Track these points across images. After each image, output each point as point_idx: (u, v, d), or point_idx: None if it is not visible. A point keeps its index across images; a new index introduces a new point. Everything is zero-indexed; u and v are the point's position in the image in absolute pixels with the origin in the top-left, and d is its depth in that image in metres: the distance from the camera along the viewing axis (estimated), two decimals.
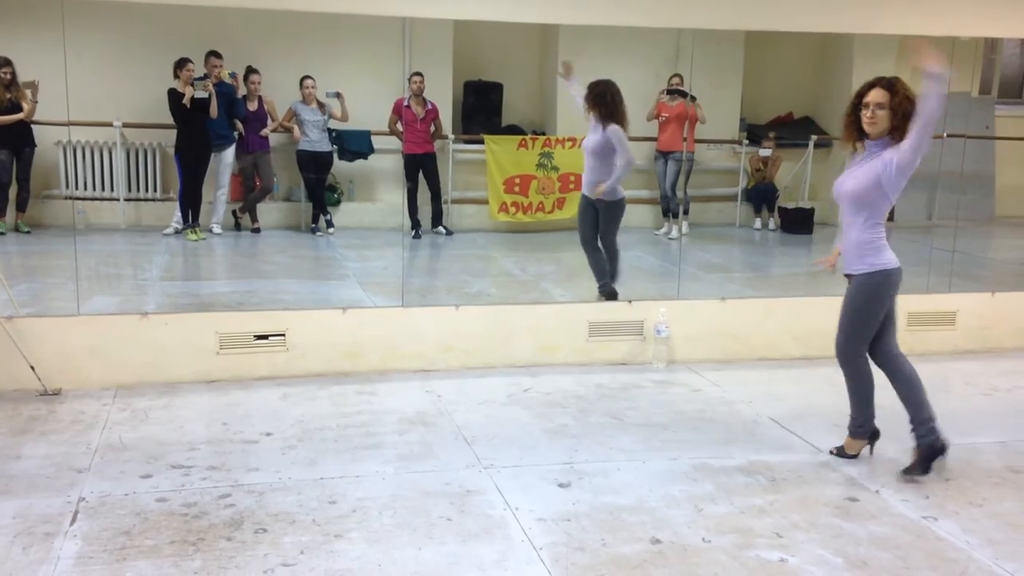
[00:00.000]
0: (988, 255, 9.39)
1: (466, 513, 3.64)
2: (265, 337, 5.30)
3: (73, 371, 4.99)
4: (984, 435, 4.71)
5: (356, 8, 5.64)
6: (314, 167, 9.21)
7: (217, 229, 8.94)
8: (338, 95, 9.13)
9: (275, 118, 9.27)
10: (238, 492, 3.76)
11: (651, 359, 5.80)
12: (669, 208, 9.66)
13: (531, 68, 10.39)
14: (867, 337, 4.12)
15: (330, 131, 9.29)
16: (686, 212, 9.64)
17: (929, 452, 4.04)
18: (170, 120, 8.48)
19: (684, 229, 9.48)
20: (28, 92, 8.20)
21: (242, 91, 9.03)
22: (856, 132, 4.01)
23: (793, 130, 10.82)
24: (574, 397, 5.12)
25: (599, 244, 6.40)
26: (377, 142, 9.45)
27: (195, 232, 8.52)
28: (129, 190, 9.11)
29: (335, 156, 9.38)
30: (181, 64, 8.38)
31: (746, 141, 10.52)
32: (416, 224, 9.12)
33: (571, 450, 4.33)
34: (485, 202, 9.59)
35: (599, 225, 6.36)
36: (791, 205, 10.48)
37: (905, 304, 4.16)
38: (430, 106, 9.21)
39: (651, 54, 9.62)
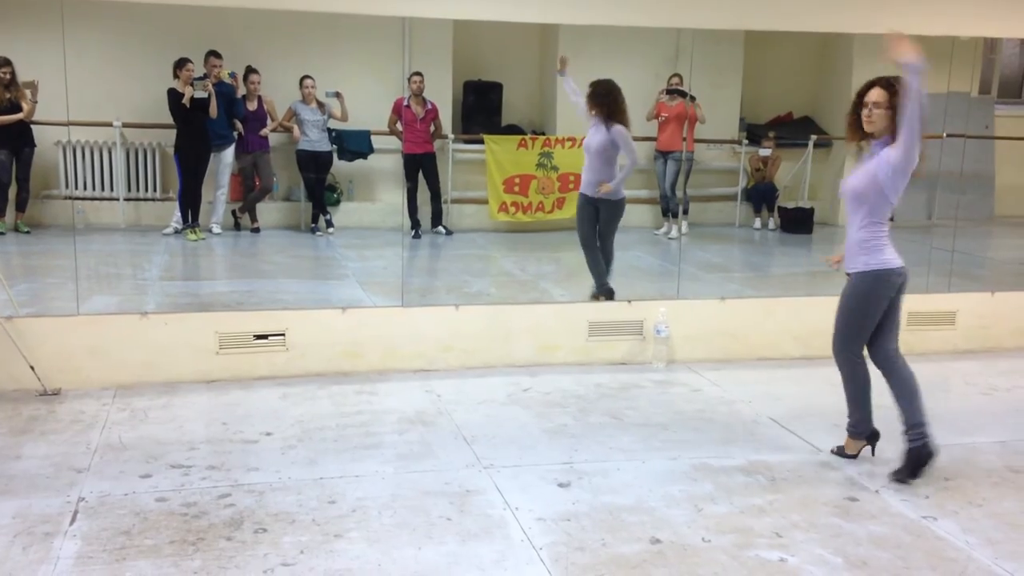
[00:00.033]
0: (988, 255, 9.39)
1: (466, 513, 3.64)
2: (265, 337, 5.30)
3: (73, 371, 4.99)
4: (984, 435, 4.71)
5: (356, 8, 5.64)
6: (314, 167, 9.21)
7: (217, 229, 8.94)
8: (338, 95, 9.13)
9: (275, 118, 9.27)
10: (238, 492, 3.76)
11: (651, 359, 5.80)
12: (669, 208, 9.66)
13: (531, 68, 10.39)
14: (862, 337, 4.11)
15: (330, 131, 9.29)
16: (686, 212, 9.64)
17: (917, 458, 4.01)
18: (170, 120, 8.48)
19: (684, 229, 9.47)
20: (28, 92, 8.20)
21: (242, 91, 9.03)
22: (859, 131, 4.02)
23: (793, 130, 10.82)
24: (574, 397, 5.12)
25: (598, 244, 6.40)
26: (377, 142, 9.44)
27: (195, 232, 8.52)
28: (129, 190, 9.11)
29: (335, 156, 9.37)
30: (181, 64, 8.38)
31: (746, 141, 10.52)
32: (416, 224, 9.13)
33: (571, 450, 4.33)
34: (485, 202, 9.59)
35: (599, 225, 6.36)
36: (791, 205, 10.49)
37: (905, 304, 4.13)
38: (430, 106, 9.20)
39: (651, 54, 9.62)
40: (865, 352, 4.16)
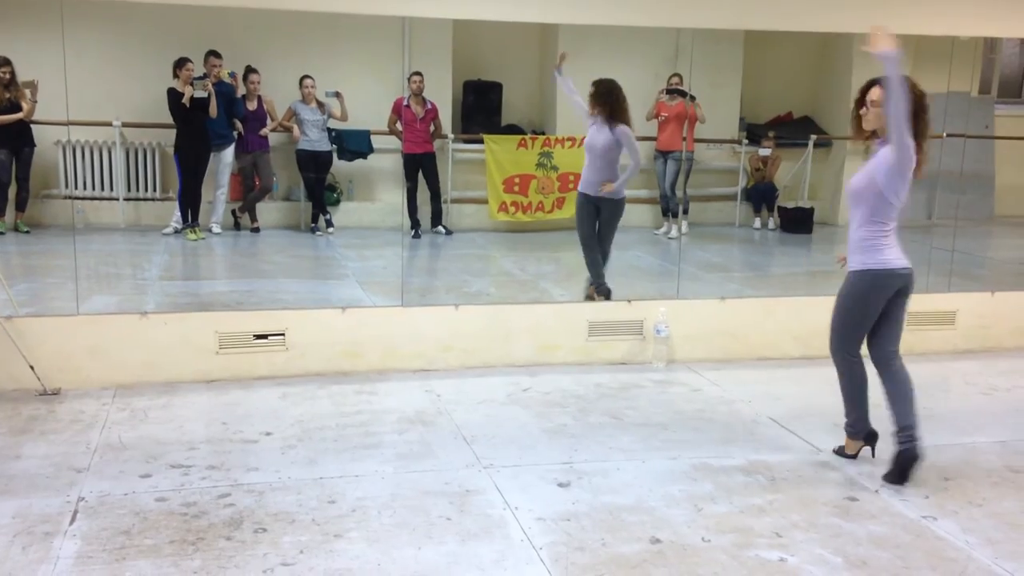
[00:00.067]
0: (988, 255, 9.39)
1: (465, 513, 3.63)
2: (264, 337, 5.30)
3: (72, 371, 4.99)
4: (984, 435, 4.71)
5: (355, 8, 5.64)
6: (313, 167, 9.21)
7: (216, 229, 8.94)
8: (337, 95, 9.13)
9: (274, 117, 9.27)
10: (237, 492, 3.76)
11: (651, 359, 5.80)
12: (669, 208, 9.66)
13: (531, 68, 10.39)
14: (857, 336, 4.11)
15: (329, 131, 9.29)
16: (686, 212, 9.64)
17: (905, 460, 3.98)
18: (169, 120, 8.48)
19: (684, 229, 9.48)
20: (27, 92, 8.19)
21: (241, 91, 9.03)
22: (864, 130, 4.02)
23: (793, 130, 10.83)
24: (573, 397, 5.12)
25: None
26: (376, 142, 9.44)
27: (194, 232, 8.52)
28: (128, 190, 9.11)
29: (334, 156, 9.37)
30: (180, 63, 8.38)
31: (745, 141, 10.52)
32: (416, 224, 9.13)
33: (571, 450, 4.33)
34: (484, 202, 9.59)
35: (599, 224, 6.36)
36: (791, 204, 10.49)
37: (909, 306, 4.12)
38: (429, 106, 9.20)
39: (650, 53, 9.62)
40: (865, 351, 4.16)
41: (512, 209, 9.56)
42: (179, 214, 8.65)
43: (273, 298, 6.73)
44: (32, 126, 8.35)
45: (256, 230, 9.19)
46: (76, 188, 8.93)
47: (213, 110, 8.50)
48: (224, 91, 8.70)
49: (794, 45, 10.43)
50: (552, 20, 7.38)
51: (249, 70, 9.02)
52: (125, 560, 3.18)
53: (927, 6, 5.92)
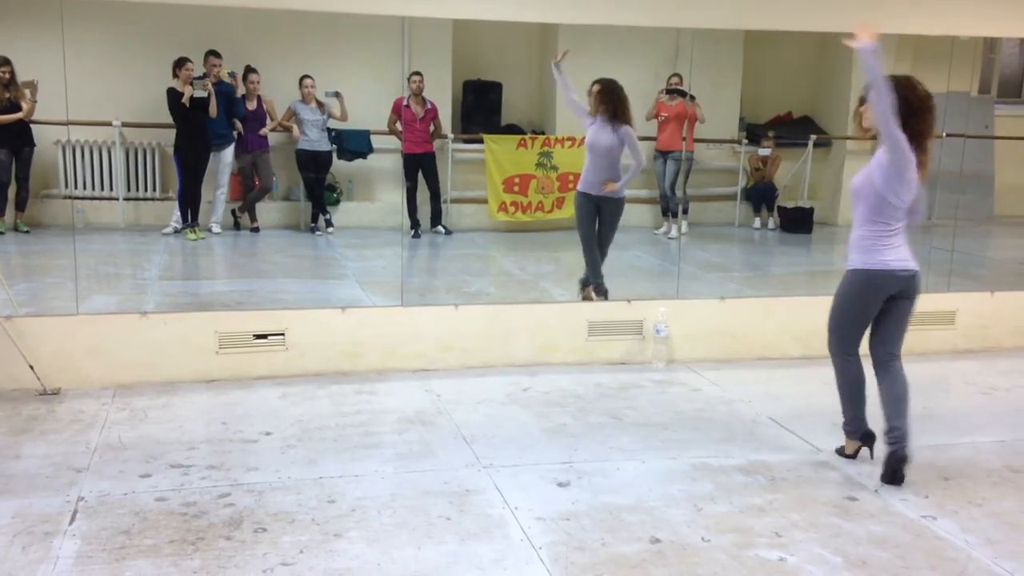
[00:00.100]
0: (987, 254, 9.40)
1: (465, 512, 3.63)
2: (264, 336, 5.30)
3: (72, 370, 4.99)
4: (983, 434, 4.71)
5: (355, 7, 5.64)
6: (313, 166, 9.21)
7: (216, 228, 8.94)
8: (337, 94, 9.13)
9: (274, 117, 9.27)
10: (237, 491, 3.76)
11: (650, 358, 5.80)
12: (668, 207, 9.67)
13: (530, 67, 10.39)
14: (852, 335, 4.11)
15: (329, 130, 9.29)
16: (685, 211, 9.64)
17: (894, 461, 3.96)
18: (169, 119, 8.49)
19: (683, 228, 9.48)
20: (27, 91, 8.20)
21: (241, 90, 9.03)
22: (865, 128, 4.02)
23: (792, 129, 10.83)
24: (573, 396, 5.12)
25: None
26: (376, 141, 9.45)
27: (194, 231, 8.52)
28: (128, 189, 9.12)
29: (334, 155, 9.38)
30: (180, 63, 8.38)
31: (745, 140, 10.52)
32: (415, 224, 9.13)
33: (570, 449, 4.33)
34: (484, 201, 9.59)
35: (600, 224, 6.35)
36: (790, 204, 10.50)
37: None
38: (429, 105, 9.21)
39: (650, 53, 9.63)
40: (866, 351, 4.15)
41: (512, 209, 9.56)
42: (179, 214, 8.66)
43: (273, 298, 6.73)
44: (32, 126, 8.35)
45: (256, 230, 9.19)
46: (76, 188, 8.93)
47: (213, 110, 8.50)
48: (224, 91, 8.70)
49: (794, 45, 10.43)
50: (552, 20, 7.38)
51: (249, 70, 9.02)
52: (125, 560, 3.18)
53: (927, 6, 5.92)
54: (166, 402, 4.83)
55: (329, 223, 9.26)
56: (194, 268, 8.21)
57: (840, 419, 4.30)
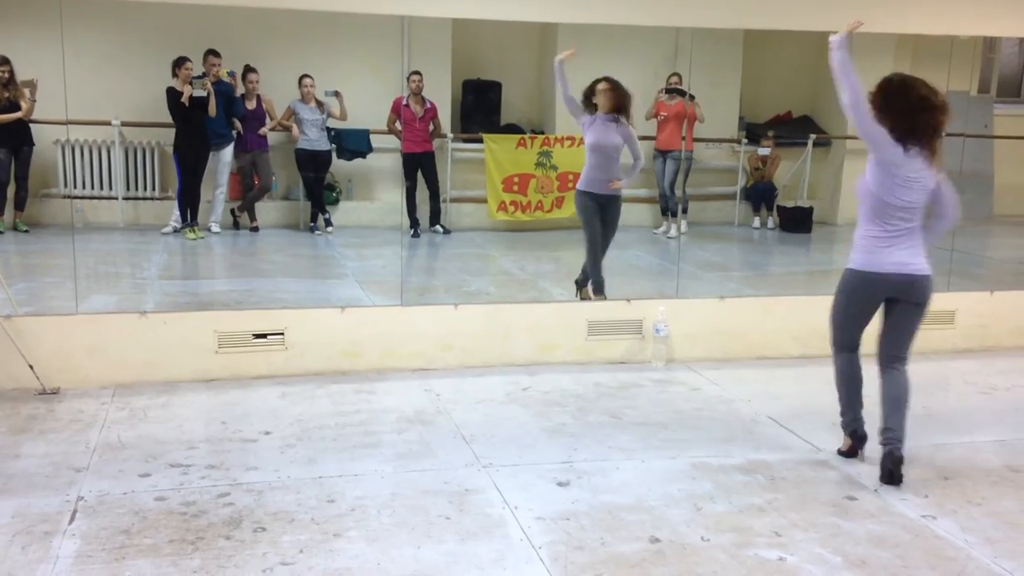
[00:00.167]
0: (987, 254, 9.39)
1: (465, 512, 3.63)
2: (264, 336, 5.30)
3: (72, 370, 4.99)
4: (983, 434, 4.72)
5: (355, 7, 5.64)
6: (313, 166, 9.21)
7: (216, 228, 8.94)
8: (337, 94, 9.13)
9: (274, 117, 9.27)
10: (237, 491, 3.76)
11: (650, 358, 5.80)
12: (668, 207, 9.66)
13: (530, 67, 10.39)
14: (844, 332, 4.12)
15: (329, 130, 9.28)
16: (685, 211, 9.64)
17: (888, 462, 3.96)
18: (169, 119, 8.48)
19: (683, 228, 9.48)
20: (26, 91, 8.19)
21: (240, 90, 9.02)
22: None
23: (792, 129, 10.83)
24: (573, 396, 5.12)
25: None
26: (376, 141, 9.44)
27: (194, 231, 8.52)
28: (128, 189, 9.11)
29: (334, 155, 9.37)
30: (180, 63, 8.37)
31: (745, 140, 10.52)
32: (415, 223, 9.13)
33: (570, 449, 4.33)
34: (484, 201, 9.59)
35: (603, 223, 6.34)
36: (790, 204, 10.50)
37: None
38: (429, 105, 9.20)
39: (650, 53, 9.62)
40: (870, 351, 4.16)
41: (511, 208, 9.56)
42: (178, 213, 8.65)
43: (272, 297, 6.73)
44: (31, 125, 8.35)
45: (255, 229, 9.19)
46: (75, 187, 8.93)
47: (212, 109, 8.50)
48: (223, 90, 8.69)
49: (794, 45, 10.40)
50: (552, 19, 7.38)
51: (248, 69, 9.01)
52: (124, 559, 3.18)
53: (927, 6, 5.91)
54: (165, 401, 4.83)
55: (328, 222, 9.26)
56: (193, 268, 8.21)
57: (840, 421, 4.31)
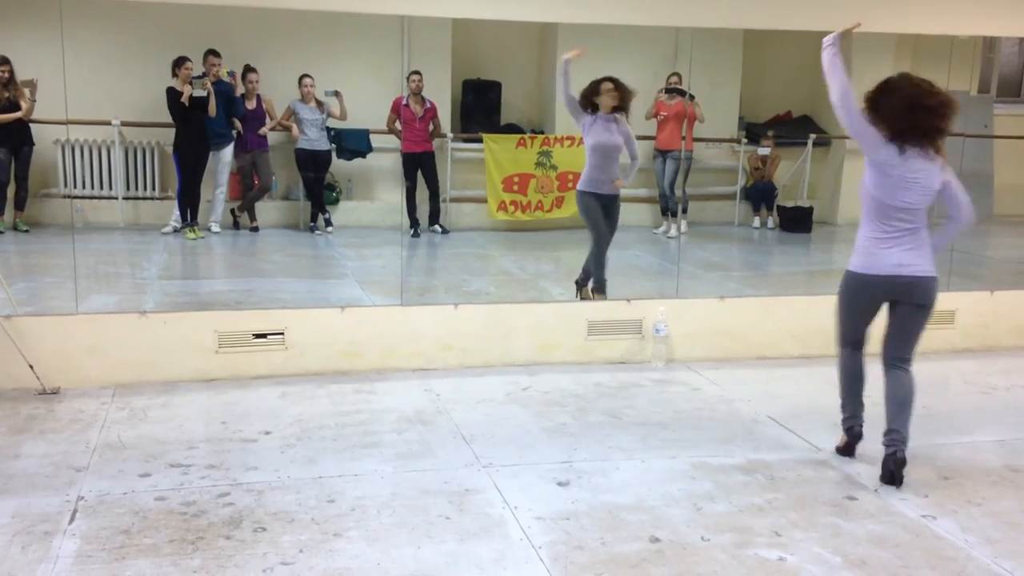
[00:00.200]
0: (987, 254, 9.39)
1: (465, 512, 3.63)
2: (264, 336, 5.30)
3: (72, 370, 4.99)
4: (983, 434, 4.72)
5: (355, 7, 5.64)
6: (313, 166, 9.21)
7: (216, 228, 8.93)
8: (337, 94, 9.13)
9: (273, 117, 9.26)
10: (237, 491, 3.76)
11: (650, 358, 5.80)
12: (668, 207, 9.66)
13: (530, 67, 10.39)
14: (848, 330, 4.15)
15: (329, 130, 9.28)
16: (685, 211, 9.64)
17: (891, 463, 3.95)
18: (169, 119, 8.48)
19: (683, 228, 9.48)
20: (26, 91, 8.19)
21: (240, 90, 9.02)
22: None
23: (792, 129, 10.82)
24: (573, 396, 5.12)
25: None
26: (376, 141, 9.44)
27: (194, 231, 8.52)
28: (128, 189, 9.11)
29: (334, 155, 9.37)
30: (179, 63, 8.37)
31: (745, 140, 10.52)
32: (415, 223, 9.13)
33: (570, 449, 4.33)
34: (484, 201, 9.59)
35: (606, 223, 6.35)
36: (790, 204, 10.50)
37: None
38: (429, 105, 9.20)
39: (650, 53, 9.62)
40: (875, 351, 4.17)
41: (511, 208, 9.56)
42: (178, 213, 8.65)
43: (272, 297, 6.73)
44: (31, 125, 8.34)
45: (255, 229, 9.19)
46: (75, 187, 8.93)
47: (212, 109, 8.50)
48: (223, 90, 8.69)
49: (793, 44, 10.37)
50: (552, 19, 7.38)
51: (248, 69, 9.01)
52: (124, 559, 3.18)
53: (927, 6, 5.91)
54: (165, 401, 4.83)
55: (328, 222, 9.26)
56: (193, 267, 8.21)
57: (839, 419, 4.32)
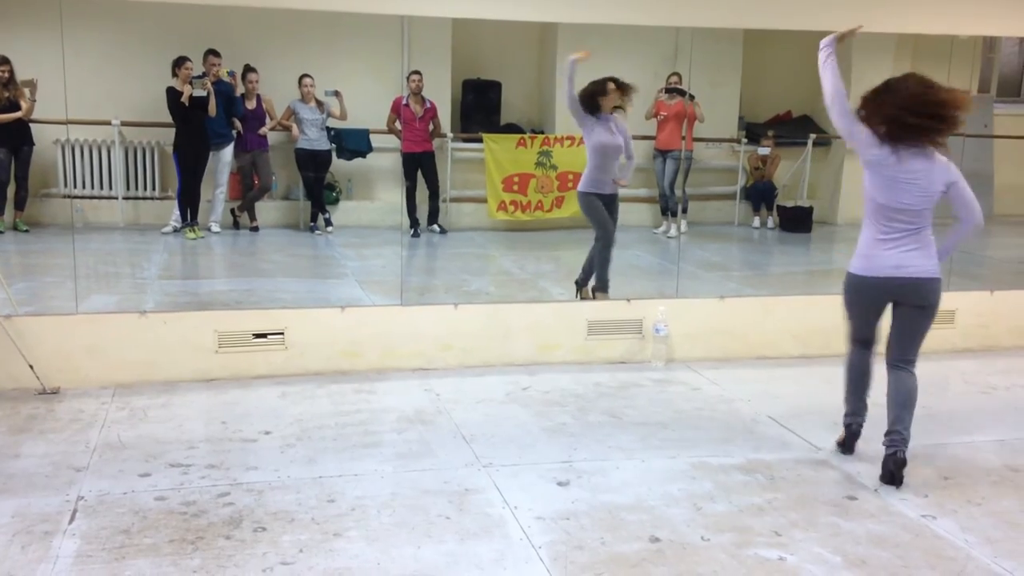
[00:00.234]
0: (987, 254, 9.39)
1: (465, 512, 3.63)
2: (264, 336, 5.30)
3: (72, 370, 4.99)
4: (982, 433, 4.72)
5: (355, 6, 5.64)
6: (313, 166, 9.21)
7: (216, 228, 8.94)
8: (337, 93, 9.13)
9: (273, 116, 9.27)
10: (237, 491, 3.76)
11: (650, 358, 5.80)
12: (668, 207, 9.66)
13: (530, 67, 10.39)
14: (854, 329, 4.15)
15: (329, 130, 9.28)
16: (685, 211, 9.64)
17: (891, 464, 3.95)
18: (169, 118, 8.48)
19: (683, 228, 9.48)
20: (26, 90, 8.19)
21: (240, 89, 9.02)
22: None
23: (792, 128, 10.82)
24: (573, 396, 5.12)
25: None
26: (376, 141, 9.44)
27: (194, 231, 8.52)
28: (128, 189, 9.11)
29: (333, 155, 9.37)
30: (179, 62, 8.37)
31: (745, 139, 10.52)
32: (415, 223, 9.13)
33: (570, 449, 4.33)
34: (484, 201, 9.59)
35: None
36: (790, 204, 10.50)
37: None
38: (429, 104, 9.20)
39: (650, 52, 9.62)
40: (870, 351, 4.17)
41: (511, 208, 9.56)
42: (178, 213, 8.65)
43: (272, 297, 6.73)
44: (31, 125, 8.35)
45: (255, 229, 9.19)
46: (75, 187, 8.93)
47: (212, 109, 8.50)
48: (223, 90, 8.69)
49: (793, 44, 10.34)
50: (551, 19, 7.38)
51: (248, 69, 9.01)
52: (124, 559, 3.18)
53: (927, 6, 5.92)
54: (165, 401, 4.83)
55: (328, 222, 9.26)
56: (193, 267, 8.21)
57: (840, 418, 4.32)
